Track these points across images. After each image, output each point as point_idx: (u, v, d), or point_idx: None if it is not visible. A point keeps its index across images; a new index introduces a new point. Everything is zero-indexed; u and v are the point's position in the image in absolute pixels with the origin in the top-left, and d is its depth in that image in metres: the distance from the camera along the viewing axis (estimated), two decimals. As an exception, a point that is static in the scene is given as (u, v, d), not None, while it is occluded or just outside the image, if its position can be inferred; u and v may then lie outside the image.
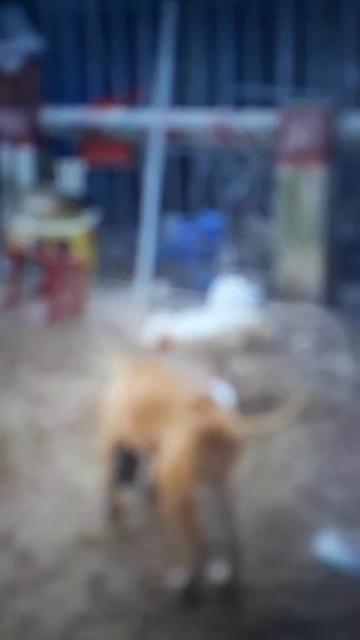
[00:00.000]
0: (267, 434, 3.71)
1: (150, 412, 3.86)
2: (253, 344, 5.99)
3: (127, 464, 4.20)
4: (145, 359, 4.38)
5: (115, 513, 4.25)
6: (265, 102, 8.32)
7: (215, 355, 5.55)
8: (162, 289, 7.83)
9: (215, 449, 3.58)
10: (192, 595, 3.63)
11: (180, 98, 8.46)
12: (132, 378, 4.12)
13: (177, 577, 3.69)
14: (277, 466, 4.80)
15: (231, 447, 3.62)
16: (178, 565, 3.72)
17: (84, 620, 3.57)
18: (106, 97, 8.87)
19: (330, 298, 7.36)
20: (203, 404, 3.68)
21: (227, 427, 3.55)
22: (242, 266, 8.07)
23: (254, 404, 5.52)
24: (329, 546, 3.98)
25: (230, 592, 3.73)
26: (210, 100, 8.61)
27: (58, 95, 9.02)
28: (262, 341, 5.88)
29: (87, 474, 4.71)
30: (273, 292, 7.59)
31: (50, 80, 9.29)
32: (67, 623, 3.55)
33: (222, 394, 5.15)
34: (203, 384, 3.97)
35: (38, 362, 6.24)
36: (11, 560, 3.99)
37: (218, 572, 3.76)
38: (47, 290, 7.42)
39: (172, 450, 3.62)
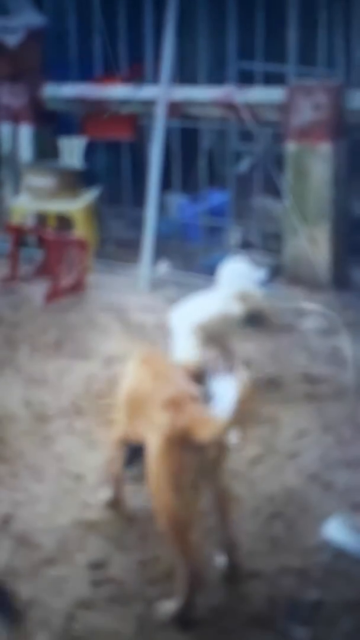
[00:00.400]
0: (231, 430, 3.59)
1: (137, 407, 3.85)
2: (256, 319, 6.03)
3: (134, 451, 4.23)
4: (153, 351, 4.24)
5: (116, 501, 4.27)
6: (273, 80, 8.31)
7: (218, 333, 5.51)
8: (165, 269, 7.83)
9: (190, 450, 3.46)
10: (185, 621, 3.51)
11: (186, 75, 8.45)
12: (134, 370, 4.09)
13: (167, 605, 3.57)
14: (282, 449, 4.82)
15: (209, 448, 3.49)
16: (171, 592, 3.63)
17: (85, 605, 3.60)
18: (109, 74, 8.86)
19: (339, 278, 7.36)
20: (177, 402, 3.59)
21: (195, 428, 3.44)
22: (247, 246, 8.08)
23: (260, 387, 5.56)
24: (335, 530, 4.00)
25: (231, 580, 3.73)
26: (217, 77, 8.60)
27: (60, 72, 9.02)
28: (265, 315, 5.87)
29: (87, 457, 4.74)
30: (280, 272, 7.59)
31: (52, 56, 9.29)
32: (68, 607, 3.57)
33: (229, 384, 5.15)
34: (186, 380, 3.88)
35: (37, 342, 6.25)
36: (11, 544, 4.02)
37: (218, 560, 3.77)
38: (46, 268, 7.43)
39: (150, 457, 3.58)
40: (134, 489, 4.36)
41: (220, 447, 3.56)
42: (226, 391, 4.87)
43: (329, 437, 4.94)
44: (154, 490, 3.60)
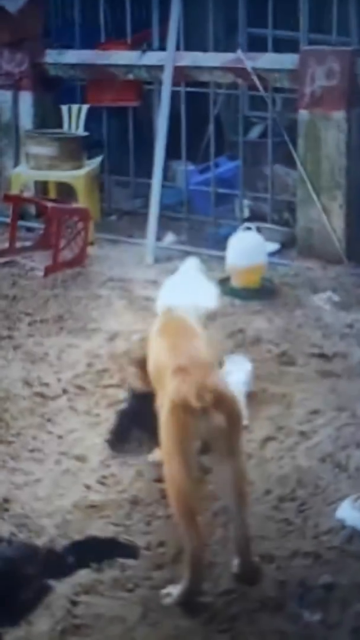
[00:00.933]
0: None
1: (159, 378, 3.93)
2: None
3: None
4: (175, 318, 4.21)
5: None
6: (286, 47, 8.28)
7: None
8: (171, 242, 7.81)
9: (194, 415, 3.52)
10: (190, 605, 3.54)
11: (196, 42, 8.43)
12: (154, 341, 4.14)
13: (173, 590, 3.60)
14: (294, 429, 4.82)
15: (213, 414, 3.54)
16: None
17: (88, 588, 3.60)
18: (114, 40, 8.86)
19: (353, 251, 7.35)
20: (185, 369, 3.65)
21: (196, 393, 3.52)
22: (258, 217, 8.05)
23: (273, 362, 5.56)
24: (348, 511, 4.01)
25: (246, 581, 3.67)
26: (228, 44, 8.60)
27: (64, 37, 9.04)
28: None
29: (88, 438, 4.75)
30: (292, 244, 7.58)
31: (56, 21, 9.32)
32: (71, 591, 3.57)
33: (238, 362, 5.15)
34: (203, 348, 3.92)
35: (37, 317, 6.25)
36: (10, 528, 4.01)
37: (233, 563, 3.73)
38: (47, 240, 7.41)
39: (161, 424, 3.67)
40: (136, 471, 4.39)
41: (230, 417, 3.57)
42: (237, 369, 4.88)
43: (342, 416, 4.93)
44: (163, 456, 3.68)
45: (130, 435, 4.45)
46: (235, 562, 3.68)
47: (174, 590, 3.57)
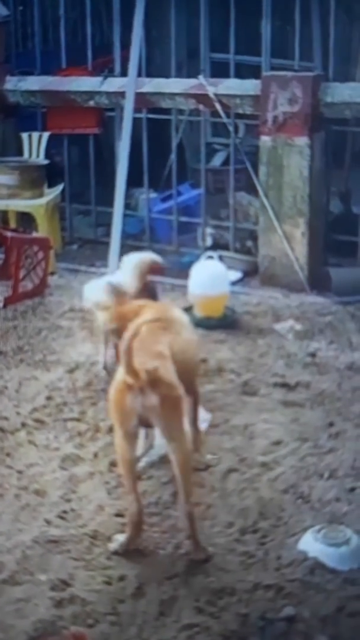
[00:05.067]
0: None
1: None
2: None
3: None
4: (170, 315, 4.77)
5: None
6: (248, 72, 8.37)
7: None
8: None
9: (131, 394, 3.98)
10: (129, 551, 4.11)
11: (157, 67, 8.51)
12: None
13: (120, 538, 4.14)
14: (256, 460, 4.87)
15: (147, 393, 3.97)
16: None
17: (49, 624, 3.63)
18: (75, 66, 8.93)
19: (316, 279, 7.43)
20: (133, 352, 4.02)
21: (137, 374, 3.95)
22: (220, 245, 8.12)
23: (235, 392, 5.61)
24: (310, 543, 4.06)
25: (191, 555, 4.07)
26: (190, 70, 8.69)
27: (25, 64, 9.10)
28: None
29: (48, 472, 4.77)
30: (254, 274, 7.65)
31: (16, 48, 9.39)
32: (30, 627, 3.60)
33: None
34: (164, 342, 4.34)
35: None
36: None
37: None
38: (6, 269, 7.43)
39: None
40: (97, 506, 4.43)
41: (165, 399, 4.00)
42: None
43: (305, 446, 5.00)
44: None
45: None
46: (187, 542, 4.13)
47: (120, 539, 4.12)
